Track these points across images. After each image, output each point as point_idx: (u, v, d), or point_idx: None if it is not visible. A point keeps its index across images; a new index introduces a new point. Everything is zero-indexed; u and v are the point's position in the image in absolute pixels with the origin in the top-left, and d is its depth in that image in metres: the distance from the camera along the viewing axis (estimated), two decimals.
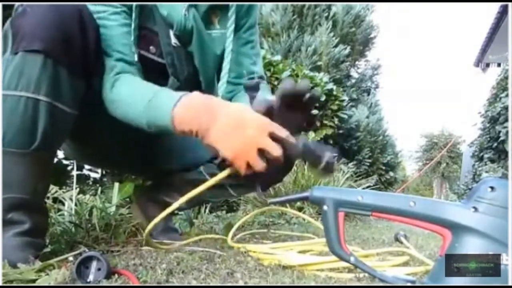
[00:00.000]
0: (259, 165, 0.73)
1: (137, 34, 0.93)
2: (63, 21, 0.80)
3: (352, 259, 0.71)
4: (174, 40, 0.99)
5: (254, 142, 0.73)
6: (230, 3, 1.02)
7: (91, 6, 0.89)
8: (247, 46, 1.10)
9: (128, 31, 0.92)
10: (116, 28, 0.91)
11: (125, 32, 0.92)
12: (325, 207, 0.71)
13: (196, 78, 1.10)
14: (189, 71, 1.05)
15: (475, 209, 0.64)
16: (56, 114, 0.82)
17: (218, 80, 1.03)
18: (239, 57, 1.08)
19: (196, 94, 0.81)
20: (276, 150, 0.73)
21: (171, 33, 0.98)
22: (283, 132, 0.75)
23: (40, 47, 0.77)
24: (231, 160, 0.75)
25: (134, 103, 0.86)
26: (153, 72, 1.03)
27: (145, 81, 0.91)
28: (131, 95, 0.87)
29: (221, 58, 1.03)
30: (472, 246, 0.63)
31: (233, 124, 0.75)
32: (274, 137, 0.73)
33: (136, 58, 0.93)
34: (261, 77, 1.12)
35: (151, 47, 0.98)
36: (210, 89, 1.15)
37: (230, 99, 1.09)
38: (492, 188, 0.64)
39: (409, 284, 0.70)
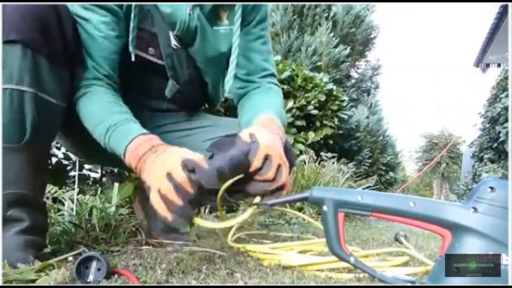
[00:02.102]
0: (166, 188, 0.73)
1: (135, 35, 0.92)
2: (39, 11, 0.80)
3: (351, 259, 0.71)
4: (174, 42, 0.98)
5: (164, 168, 0.75)
6: None
7: (76, 9, 0.89)
8: (257, 42, 1.07)
9: (109, 44, 0.92)
10: (98, 39, 0.91)
11: (106, 45, 0.91)
12: (325, 208, 0.71)
13: (198, 80, 1.09)
14: (190, 73, 1.05)
15: (475, 209, 0.64)
16: (42, 105, 0.82)
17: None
18: (249, 53, 1.05)
19: (142, 139, 0.82)
20: (178, 174, 0.73)
21: (171, 34, 0.98)
22: (195, 158, 0.76)
23: (17, 37, 0.78)
24: (150, 187, 0.78)
25: (94, 124, 0.88)
26: (153, 74, 1.03)
27: (117, 97, 0.92)
28: (93, 115, 0.89)
29: (228, 55, 1.00)
30: (472, 246, 0.63)
31: (157, 161, 0.78)
32: (186, 165, 0.74)
33: (113, 71, 0.93)
34: (273, 75, 1.10)
35: (150, 48, 0.98)
36: (217, 89, 1.14)
37: (242, 96, 1.07)
38: (492, 188, 0.64)
39: (408, 284, 0.70)
